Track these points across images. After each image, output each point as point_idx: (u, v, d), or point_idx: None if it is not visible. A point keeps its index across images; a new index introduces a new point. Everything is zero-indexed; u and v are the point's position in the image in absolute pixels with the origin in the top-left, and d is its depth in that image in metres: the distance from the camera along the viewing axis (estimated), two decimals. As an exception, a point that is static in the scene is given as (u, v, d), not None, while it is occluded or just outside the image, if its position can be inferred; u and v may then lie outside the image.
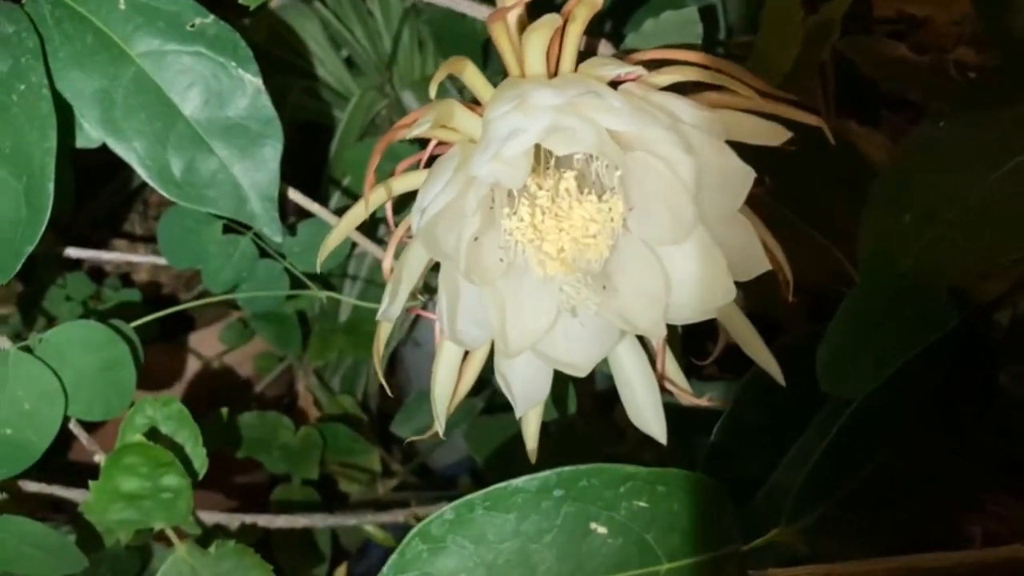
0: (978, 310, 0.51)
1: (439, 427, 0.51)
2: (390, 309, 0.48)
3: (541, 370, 0.49)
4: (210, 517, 0.79)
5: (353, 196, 1.11)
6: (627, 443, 0.58)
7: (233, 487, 1.07)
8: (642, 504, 0.41)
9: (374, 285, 1.10)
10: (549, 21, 0.46)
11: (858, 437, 0.46)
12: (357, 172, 0.93)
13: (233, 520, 0.81)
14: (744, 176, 0.44)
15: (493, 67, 1.20)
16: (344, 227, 0.52)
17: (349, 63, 1.29)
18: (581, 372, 0.47)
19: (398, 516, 0.87)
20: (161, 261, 0.85)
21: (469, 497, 0.41)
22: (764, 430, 0.54)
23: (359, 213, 0.51)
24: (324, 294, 0.85)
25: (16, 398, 0.66)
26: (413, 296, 0.52)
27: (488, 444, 0.91)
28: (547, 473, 0.41)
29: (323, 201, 1.18)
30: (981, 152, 0.50)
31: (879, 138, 0.90)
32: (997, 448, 0.51)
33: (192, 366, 1.23)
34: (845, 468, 0.46)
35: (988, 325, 0.53)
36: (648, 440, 0.51)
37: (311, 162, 1.30)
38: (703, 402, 0.54)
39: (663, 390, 0.53)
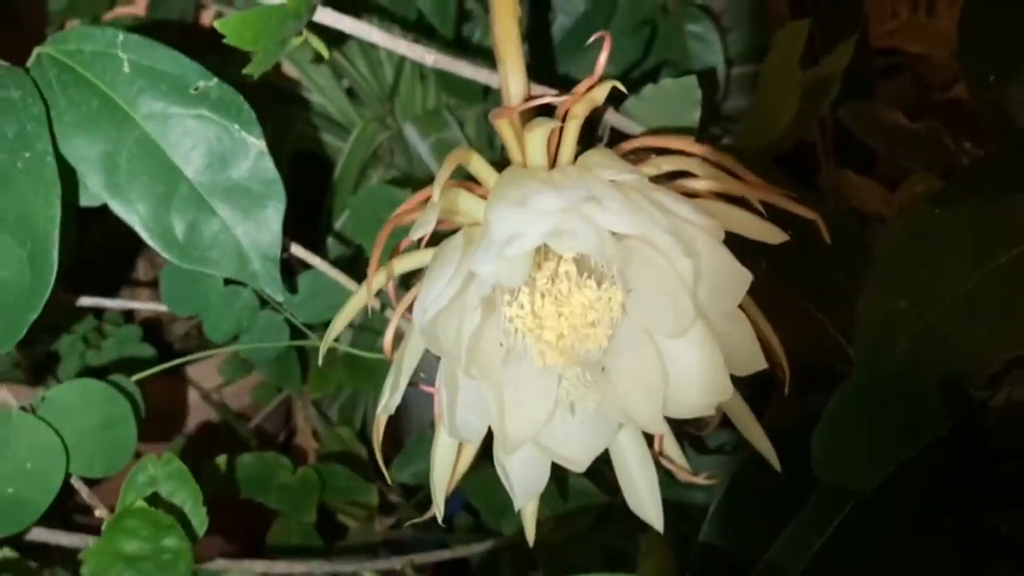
0: (971, 400, 0.52)
1: (438, 510, 0.52)
2: (391, 401, 0.48)
3: (540, 462, 0.49)
4: (215, 566, 0.80)
5: (349, 242, 1.12)
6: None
7: (233, 527, 1.08)
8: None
9: (367, 331, 1.12)
10: (547, 123, 0.46)
11: (857, 529, 0.47)
12: (357, 218, 0.94)
13: (235, 568, 0.82)
14: (742, 278, 0.45)
15: (493, 99, 1.21)
16: (348, 312, 0.53)
17: (351, 94, 1.30)
18: (579, 467, 0.48)
19: (395, 563, 0.87)
20: (163, 308, 0.85)
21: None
22: (759, 508, 0.55)
23: (362, 298, 0.52)
24: (325, 344, 0.85)
25: (18, 457, 0.67)
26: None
27: (486, 491, 0.91)
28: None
29: (322, 237, 1.19)
30: (978, 241, 0.50)
31: (878, 189, 0.91)
32: (996, 531, 0.52)
33: (191, 397, 1.24)
34: (845, 559, 0.47)
35: (983, 410, 0.53)
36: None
37: (312, 192, 1.32)
38: (700, 480, 0.54)
39: (660, 467, 0.54)
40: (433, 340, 0.45)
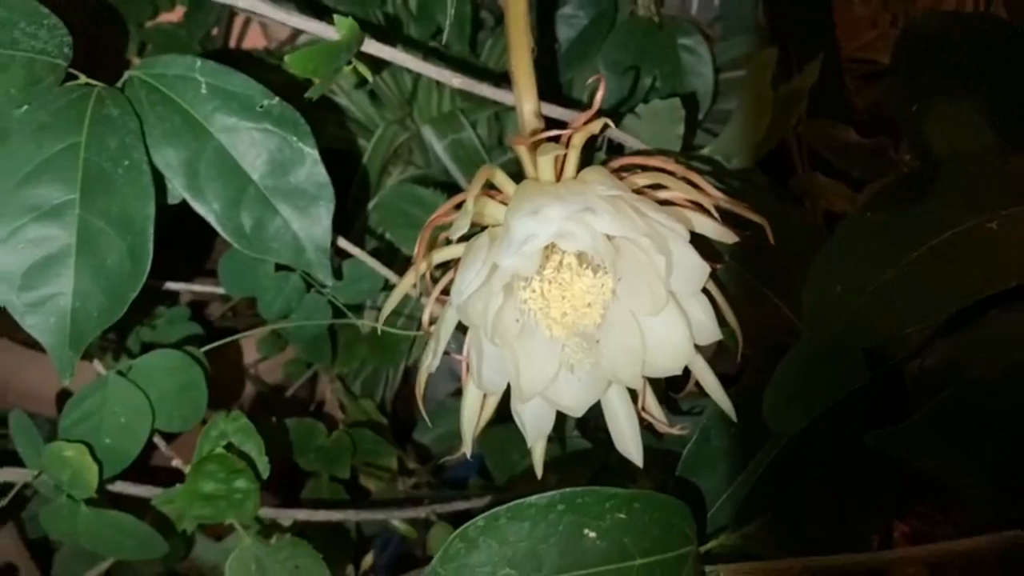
0: (893, 364, 0.65)
1: (467, 449, 0.66)
2: (432, 363, 0.62)
3: (547, 410, 0.63)
4: (265, 513, 0.94)
5: (374, 233, 1.25)
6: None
7: (271, 485, 1.22)
8: (622, 516, 0.55)
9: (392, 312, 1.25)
10: (554, 149, 0.60)
11: (790, 463, 0.60)
12: (385, 212, 1.07)
13: (283, 515, 0.95)
14: (702, 270, 0.58)
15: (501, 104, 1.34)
16: (398, 293, 0.66)
17: (373, 97, 1.42)
18: (577, 413, 0.62)
19: (420, 512, 1.01)
20: (219, 290, 0.99)
21: (496, 510, 0.55)
22: (725, 452, 0.68)
23: (409, 281, 0.65)
24: (366, 323, 0.99)
25: (114, 414, 0.80)
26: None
27: (498, 450, 1.05)
28: (553, 493, 0.55)
29: (349, 225, 1.32)
30: (897, 239, 0.63)
31: (844, 190, 1.04)
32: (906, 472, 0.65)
33: (232, 372, 1.38)
34: (780, 488, 0.60)
35: (900, 371, 0.66)
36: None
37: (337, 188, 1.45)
38: (676, 431, 0.68)
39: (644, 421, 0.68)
40: (466, 315, 0.59)
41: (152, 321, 1.25)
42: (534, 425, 0.63)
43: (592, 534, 0.55)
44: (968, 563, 0.55)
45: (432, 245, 0.67)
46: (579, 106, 1.29)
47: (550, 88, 1.30)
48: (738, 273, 0.71)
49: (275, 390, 1.40)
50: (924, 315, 0.61)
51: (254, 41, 1.50)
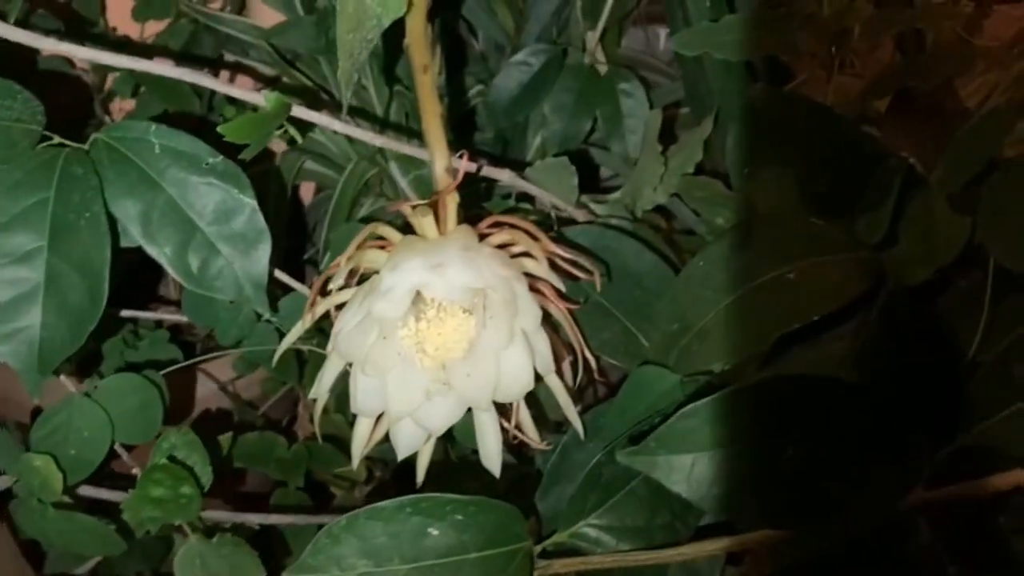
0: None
1: (354, 465, 0.78)
2: (317, 391, 0.75)
3: (417, 430, 0.75)
4: (217, 515, 1.06)
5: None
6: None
7: (240, 495, 1.35)
8: (459, 517, 0.67)
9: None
10: (427, 213, 0.72)
11: (606, 474, 0.73)
12: (335, 251, 1.19)
13: (234, 517, 1.08)
14: (537, 313, 0.71)
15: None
16: (293, 335, 0.79)
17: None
18: (437, 433, 0.74)
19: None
20: (181, 318, 1.12)
21: (356, 511, 0.67)
22: (582, 465, 0.80)
23: (299, 328, 0.78)
24: (305, 347, 1.12)
25: (78, 428, 0.93)
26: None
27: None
28: (403, 498, 0.67)
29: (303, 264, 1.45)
30: (719, 285, 0.75)
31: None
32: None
33: (209, 388, 1.51)
34: (602, 492, 0.73)
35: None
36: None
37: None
38: (542, 446, 0.80)
39: (515, 438, 0.80)
40: (341, 352, 0.72)
41: (135, 343, 1.39)
42: (406, 442, 0.75)
43: (435, 532, 0.67)
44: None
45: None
46: (516, 156, 1.43)
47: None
48: (605, 309, 0.83)
49: (250, 406, 1.53)
50: (735, 352, 0.73)
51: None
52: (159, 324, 1.44)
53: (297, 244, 1.60)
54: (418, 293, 0.72)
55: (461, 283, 0.68)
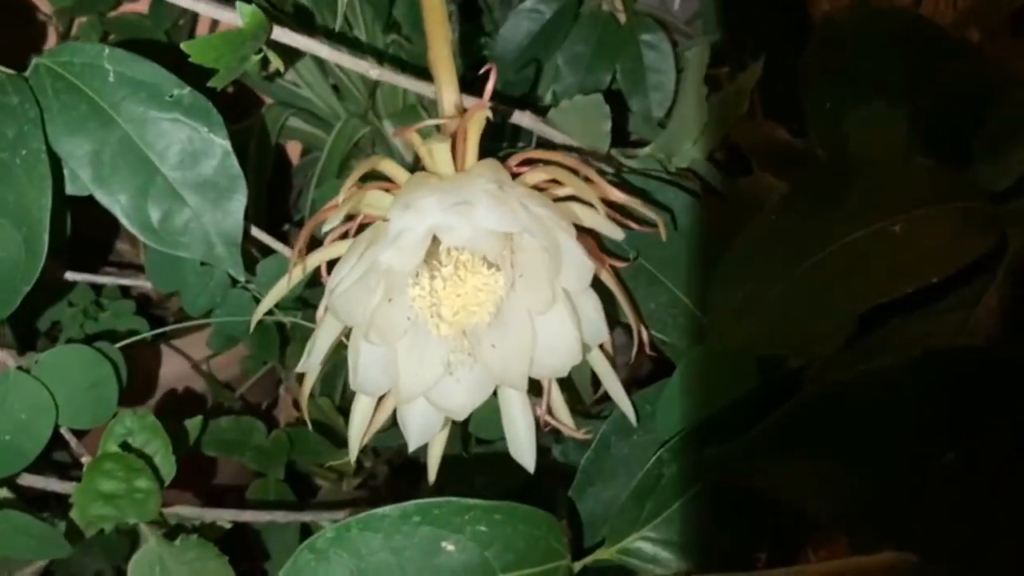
0: (789, 375, 0.62)
1: (351, 457, 0.63)
2: (307, 363, 0.60)
3: (434, 413, 0.60)
4: (183, 511, 0.91)
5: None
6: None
7: (211, 488, 1.20)
8: (482, 528, 0.52)
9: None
10: (444, 139, 0.57)
11: (667, 474, 0.57)
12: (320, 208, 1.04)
13: (205, 514, 0.93)
14: (588, 267, 0.56)
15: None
16: (270, 299, 0.64)
17: (337, 90, 1.40)
18: (459, 417, 0.59)
19: (343, 516, 0.98)
20: (146, 285, 0.97)
21: (346, 520, 0.52)
22: (625, 461, 0.65)
23: (282, 287, 0.63)
24: (287, 319, 0.97)
25: (14, 410, 0.78)
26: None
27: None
28: (407, 504, 0.53)
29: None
30: (800, 244, 0.60)
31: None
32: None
33: (182, 367, 1.35)
34: (658, 500, 0.58)
35: (795, 378, 0.63)
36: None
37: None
38: (579, 435, 0.65)
39: (547, 424, 0.65)
40: (338, 313, 0.56)
41: (97, 314, 1.23)
42: (419, 429, 0.60)
43: (450, 547, 0.52)
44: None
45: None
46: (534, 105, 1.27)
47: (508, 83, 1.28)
48: (649, 272, 0.68)
49: (227, 387, 1.37)
50: (823, 324, 0.59)
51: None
52: (126, 293, 1.29)
53: (282, 209, 1.44)
54: (432, 241, 0.57)
55: (491, 226, 0.53)
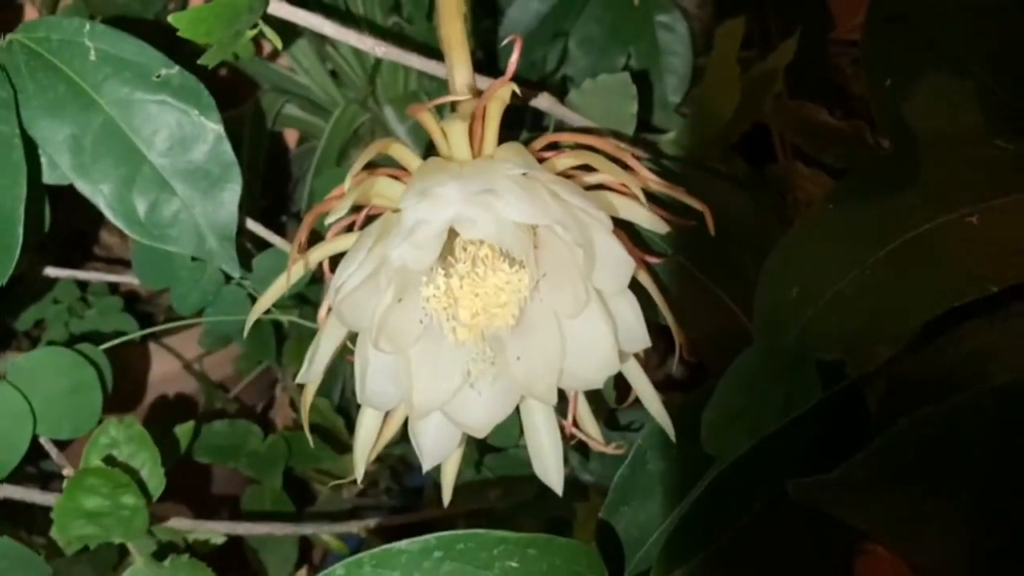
0: (853, 380, 0.56)
1: (358, 475, 0.56)
2: (308, 373, 0.53)
3: (450, 429, 0.54)
4: (176, 524, 0.85)
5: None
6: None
7: (204, 497, 1.13)
8: (513, 564, 0.46)
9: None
10: (461, 120, 0.51)
11: (727, 496, 0.51)
12: (318, 200, 0.98)
13: (194, 527, 0.86)
14: (627, 264, 0.49)
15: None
16: (268, 298, 0.57)
17: (335, 76, 1.33)
18: (480, 434, 0.53)
19: (352, 527, 0.92)
20: (134, 281, 0.90)
21: (359, 556, 0.46)
22: (663, 478, 0.59)
23: (281, 285, 0.56)
24: (284, 318, 0.90)
25: (-14, 419, 0.72)
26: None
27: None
28: (428, 537, 0.46)
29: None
30: (862, 236, 0.54)
31: (825, 180, 0.94)
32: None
33: (173, 367, 1.29)
34: (718, 521, 0.51)
35: (858, 390, 0.57)
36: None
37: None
38: (610, 450, 0.59)
39: (573, 438, 0.59)
40: (343, 317, 0.50)
41: (83, 311, 1.17)
42: (434, 447, 0.54)
43: (479, 587, 0.46)
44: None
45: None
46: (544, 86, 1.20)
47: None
48: (685, 270, 0.62)
49: (221, 388, 1.31)
50: (890, 325, 0.52)
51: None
52: (113, 289, 1.22)
53: (279, 201, 1.38)
54: (448, 235, 0.50)
55: (519, 218, 0.47)
